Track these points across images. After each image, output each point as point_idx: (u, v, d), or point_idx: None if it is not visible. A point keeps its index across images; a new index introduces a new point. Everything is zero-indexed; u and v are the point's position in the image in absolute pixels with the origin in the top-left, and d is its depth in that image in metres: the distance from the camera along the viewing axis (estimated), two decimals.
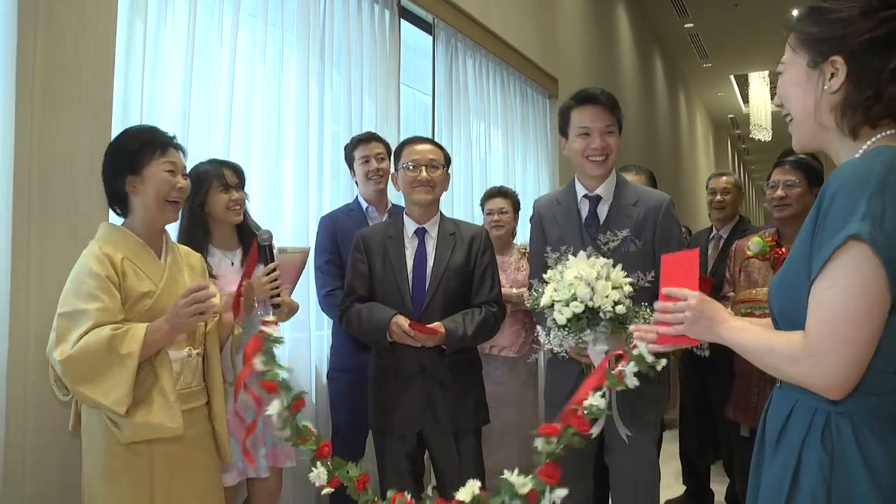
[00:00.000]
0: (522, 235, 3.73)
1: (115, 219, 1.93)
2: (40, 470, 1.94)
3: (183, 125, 2.41)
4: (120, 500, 1.72)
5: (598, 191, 2.22)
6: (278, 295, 2.24)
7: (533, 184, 5.35)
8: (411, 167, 2.34)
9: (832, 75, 1.12)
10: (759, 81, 12.93)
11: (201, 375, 1.93)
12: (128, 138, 1.85)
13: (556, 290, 1.96)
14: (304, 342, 2.94)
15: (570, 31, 6.40)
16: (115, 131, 2.17)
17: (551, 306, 1.97)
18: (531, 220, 2.41)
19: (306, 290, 2.86)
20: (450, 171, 2.47)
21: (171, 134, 1.89)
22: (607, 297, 1.91)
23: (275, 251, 2.28)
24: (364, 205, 2.91)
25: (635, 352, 1.63)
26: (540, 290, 2.06)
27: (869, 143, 1.12)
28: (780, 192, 2.66)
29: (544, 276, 2.06)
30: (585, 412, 1.71)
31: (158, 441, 1.76)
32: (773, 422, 1.22)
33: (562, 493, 1.67)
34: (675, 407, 4.01)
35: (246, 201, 2.37)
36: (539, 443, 1.70)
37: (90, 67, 2.09)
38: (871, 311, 1.02)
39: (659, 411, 2.24)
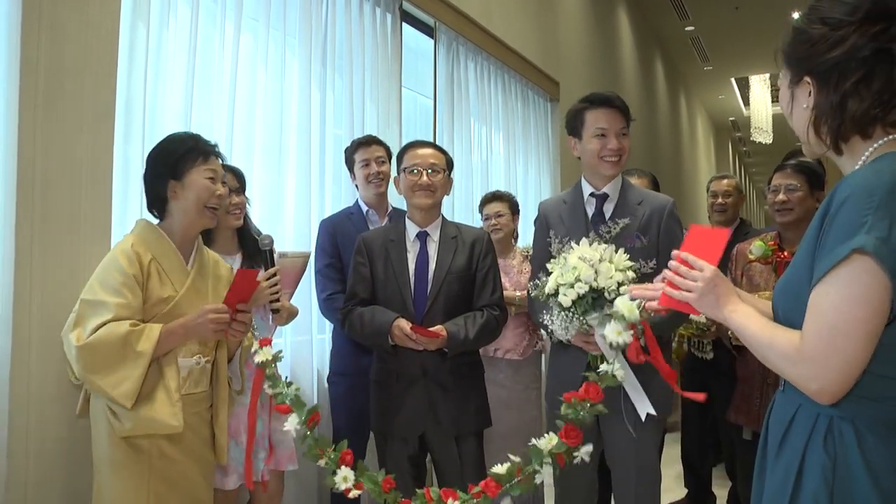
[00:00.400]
0: (524, 238, 3.73)
1: (117, 223, 1.94)
2: (43, 472, 1.94)
3: (185, 129, 2.40)
4: (124, 488, 1.77)
5: (605, 189, 2.27)
6: (278, 300, 2.25)
7: (534, 187, 5.36)
8: (412, 171, 2.34)
9: (809, 93, 1.16)
10: (759, 84, 12.95)
11: (208, 381, 1.96)
12: (172, 144, 1.91)
13: (561, 275, 1.98)
14: (306, 345, 2.95)
15: (571, 33, 6.41)
16: (118, 135, 2.19)
17: (556, 293, 1.99)
18: (535, 221, 2.42)
19: (308, 294, 2.86)
20: (452, 175, 2.47)
21: (213, 142, 1.95)
22: (611, 278, 1.94)
23: (275, 256, 2.29)
24: (364, 208, 2.90)
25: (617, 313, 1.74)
26: (543, 278, 2.08)
27: (868, 152, 1.12)
28: (781, 197, 2.66)
29: (548, 265, 2.08)
30: (600, 381, 1.86)
31: (158, 438, 1.79)
32: (775, 426, 1.22)
33: (588, 448, 1.91)
34: (677, 410, 4.01)
35: (247, 206, 2.38)
36: (563, 406, 1.90)
37: (93, 71, 2.10)
38: (867, 321, 1.02)
39: (661, 410, 2.24)
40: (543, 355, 3.25)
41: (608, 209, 2.26)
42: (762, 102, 13.09)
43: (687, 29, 10.26)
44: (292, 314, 2.46)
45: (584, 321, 1.97)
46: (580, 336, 2.06)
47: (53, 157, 1.99)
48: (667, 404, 2.27)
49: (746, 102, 14.14)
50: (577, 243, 2.07)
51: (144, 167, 1.94)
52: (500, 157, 4.89)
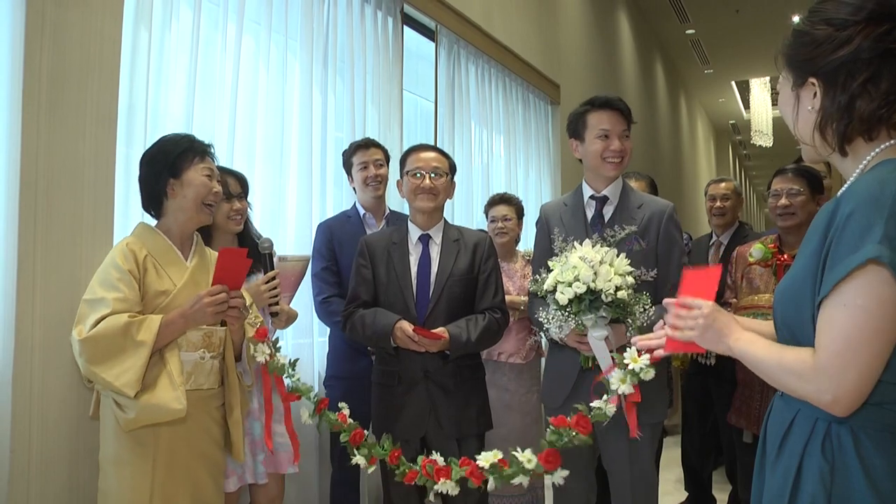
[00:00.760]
0: (526, 242, 3.73)
1: (119, 225, 1.95)
2: (45, 475, 1.95)
3: (187, 132, 2.41)
4: (124, 484, 1.80)
5: (605, 192, 2.28)
6: (277, 303, 2.25)
7: (535, 190, 5.36)
8: (415, 174, 2.35)
9: (814, 95, 1.15)
10: (760, 87, 12.95)
11: (217, 379, 1.97)
12: (169, 144, 1.95)
13: (560, 273, 1.98)
14: (307, 348, 2.95)
15: (571, 36, 6.42)
16: (121, 138, 2.20)
17: (554, 290, 1.99)
18: (537, 223, 2.43)
19: (308, 297, 2.86)
20: (455, 179, 2.48)
21: (207, 142, 2.00)
22: (609, 281, 1.95)
23: (274, 259, 2.29)
24: (361, 211, 2.89)
25: (628, 367, 1.80)
26: (544, 274, 2.09)
27: (871, 156, 1.12)
28: (784, 201, 2.67)
29: (549, 262, 2.08)
30: (591, 414, 1.87)
31: (164, 434, 1.81)
32: (774, 430, 1.23)
33: (563, 473, 1.94)
34: (677, 413, 4.01)
35: (249, 210, 2.38)
36: (548, 432, 1.90)
37: (96, 75, 2.11)
38: (884, 332, 1.02)
39: (656, 415, 2.25)
40: (543, 358, 3.25)
41: (608, 212, 2.27)
42: (762, 105, 13.09)
43: (687, 32, 10.28)
44: (292, 318, 2.46)
45: (580, 321, 1.98)
46: (573, 336, 2.07)
47: (56, 160, 1.99)
48: (661, 410, 2.28)
49: (747, 105, 14.14)
50: (581, 244, 2.09)
51: (139, 169, 1.96)
52: (501, 160, 4.90)
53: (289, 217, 2.95)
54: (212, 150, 2.00)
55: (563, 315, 2.01)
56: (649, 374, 1.83)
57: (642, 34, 9.59)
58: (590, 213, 2.29)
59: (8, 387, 1.87)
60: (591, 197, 2.30)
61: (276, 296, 2.26)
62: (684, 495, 3.68)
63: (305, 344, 2.94)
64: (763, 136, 13.31)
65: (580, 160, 2.34)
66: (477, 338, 2.27)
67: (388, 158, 2.91)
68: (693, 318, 1.25)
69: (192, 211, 1.94)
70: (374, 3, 3.52)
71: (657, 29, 10.34)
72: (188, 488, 1.87)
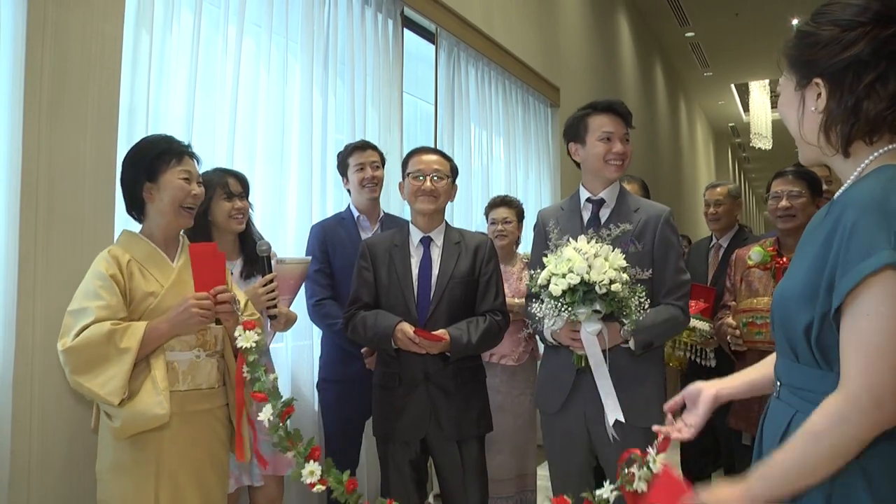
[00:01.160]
0: (526, 245, 3.74)
1: (119, 227, 1.94)
2: (46, 477, 1.95)
3: (187, 134, 2.42)
4: (125, 493, 1.77)
5: (602, 194, 2.29)
6: (275, 306, 2.25)
7: (534, 193, 5.37)
8: (417, 176, 2.36)
9: (818, 96, 1.14)
10: (759, 90, 12.99)
11: (218, 377, 1.94)
12: (145, 147, 1.91)
13: (555, 266, 1.99)
14: (307, 350, 2.95)
15: (571, 39, 6.43)
16: (121, 140, 2.20)
17: (548, 284, 1.99)
18: (535, 228, 2.44)
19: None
20: (456, 182, 2.48)
21: (186, 143, 1.95)
22: (604, 273, 1.95)
23: (273, 262, 2.29)
24: (355, 213, 2.85)
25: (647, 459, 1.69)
26: (539, 271, 2.09)
27: (869, 159, 1.12)
28: (784, 203, 2.67)
29: (544, 258, 2.09)
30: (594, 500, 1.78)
31: (167, 437, 1.78)
32: (771, 432, 1.22)
33: None
34: (677, 414, 4.00)
35: (250, 211, 2.38)
36: None
37: (97, 77, 2.11)
38: None
39: (649, 417, 2.24)
40: (538, 362, 3.25)
41: (604, 214, 2.28)
42: (762, 108, 13.12)
43: (687, 35, 10.30)
44: (290, 320, 2.45)
45: (573, 313, 1.98)
46: (567, 331, 2.07)
47: (57, 162, 2.00)
48: (654, 414, 2.27)
49: (746, 108, 14.17)
50: (576, 239, 2.10)
51: (120, 171, 1.93)
52: (501, 162, 4.90)
53: (289, 218, 2.95)
54: (191, 151, 1.95)
55: (556, 306, 2.01)
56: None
57: (642, 37, 9.61)
58: (586, 216, 2.29)
59: (8, 388, 1.88)
60: (588, 199, 2.30)
61: (274, 299, 2.26)
62: None
63: (304, 346, 2.94)
64: (762, 139, 13.34)
65: (577, 164, 2.35)
66: (478, 340, 2.27)
67: (383, 160, 2.90)
68: None
69: (170, 215, 1.89)
70: (375, 5, 3.53)
71: (657, 32, 10.36)
72: (198, 490, 1.84)
